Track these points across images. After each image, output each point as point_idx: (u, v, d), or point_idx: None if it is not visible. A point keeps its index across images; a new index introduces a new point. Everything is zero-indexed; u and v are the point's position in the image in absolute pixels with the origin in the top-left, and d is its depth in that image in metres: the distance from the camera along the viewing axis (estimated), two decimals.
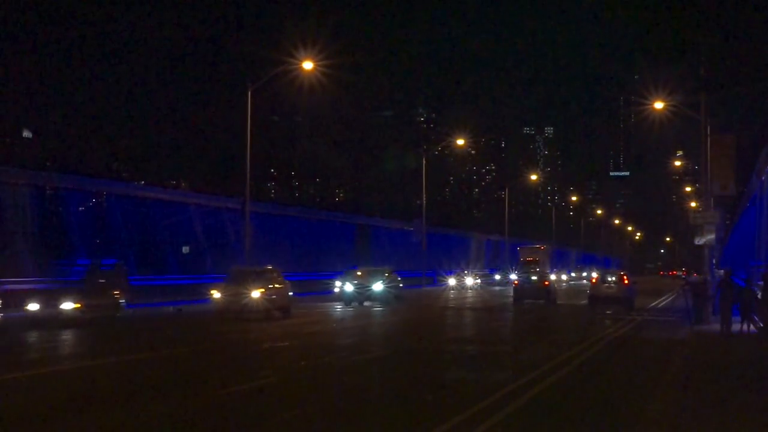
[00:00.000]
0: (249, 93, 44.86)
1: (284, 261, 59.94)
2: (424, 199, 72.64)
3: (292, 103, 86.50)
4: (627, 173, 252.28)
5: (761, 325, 26.09)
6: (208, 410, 12.61)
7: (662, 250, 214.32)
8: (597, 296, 42.04)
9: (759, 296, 26.80)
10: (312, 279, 60.76)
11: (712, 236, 33.86)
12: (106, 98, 79.18)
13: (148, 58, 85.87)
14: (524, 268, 72.03)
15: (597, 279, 44.64)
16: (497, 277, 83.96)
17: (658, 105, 40.72)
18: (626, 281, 42.41)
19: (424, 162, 71.59)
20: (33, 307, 28.00)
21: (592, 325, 30.54)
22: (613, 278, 43.01)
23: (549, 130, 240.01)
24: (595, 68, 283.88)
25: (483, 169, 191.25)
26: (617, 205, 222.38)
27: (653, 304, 48.59)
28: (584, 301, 44.03)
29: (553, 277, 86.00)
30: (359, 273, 44.99)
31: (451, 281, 68.10)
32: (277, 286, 33.17)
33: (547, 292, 46.44)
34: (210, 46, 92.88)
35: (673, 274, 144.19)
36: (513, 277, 67.56)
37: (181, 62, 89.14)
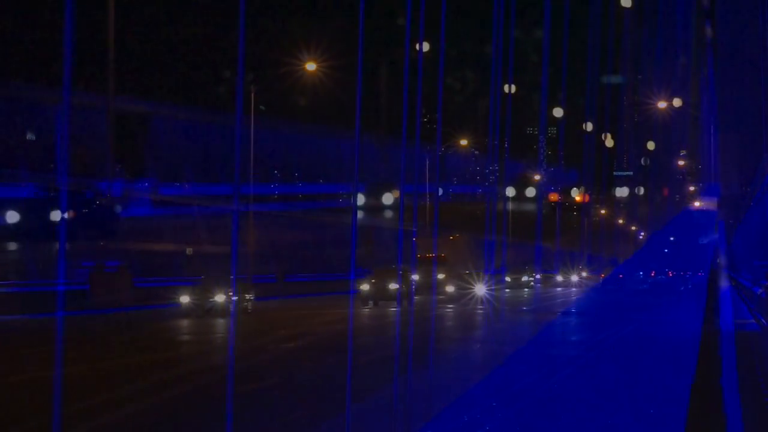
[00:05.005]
0: (252, 94, 44.87)
1: (287, 262, 60.23)
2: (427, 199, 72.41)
3: (295, 104, 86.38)
4: (630, 173, 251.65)
5: (765, 324, 25.96)
6: None
7: (666, 249, 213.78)
8: None
9: (763, 295, 26.68)
10: (316, 280, 60.79)
11: (715, 236, 33.79)
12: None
13: (149, 58, 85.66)
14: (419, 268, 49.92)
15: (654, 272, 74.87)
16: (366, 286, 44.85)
17: (662, 104, 40.70)
18: (670, 274, 71.44)
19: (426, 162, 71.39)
20: None
21: None
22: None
23: (552, 130, 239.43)
24: (597, 68, 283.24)
25: (486, 169, 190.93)
26: (621, 205, 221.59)
27: None
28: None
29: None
30: None
31: (183, 298, 36.18)
32: None
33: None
34: (213, 47, 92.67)
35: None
36: (364, 288, 43.77)
37: (183, 63, 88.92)
